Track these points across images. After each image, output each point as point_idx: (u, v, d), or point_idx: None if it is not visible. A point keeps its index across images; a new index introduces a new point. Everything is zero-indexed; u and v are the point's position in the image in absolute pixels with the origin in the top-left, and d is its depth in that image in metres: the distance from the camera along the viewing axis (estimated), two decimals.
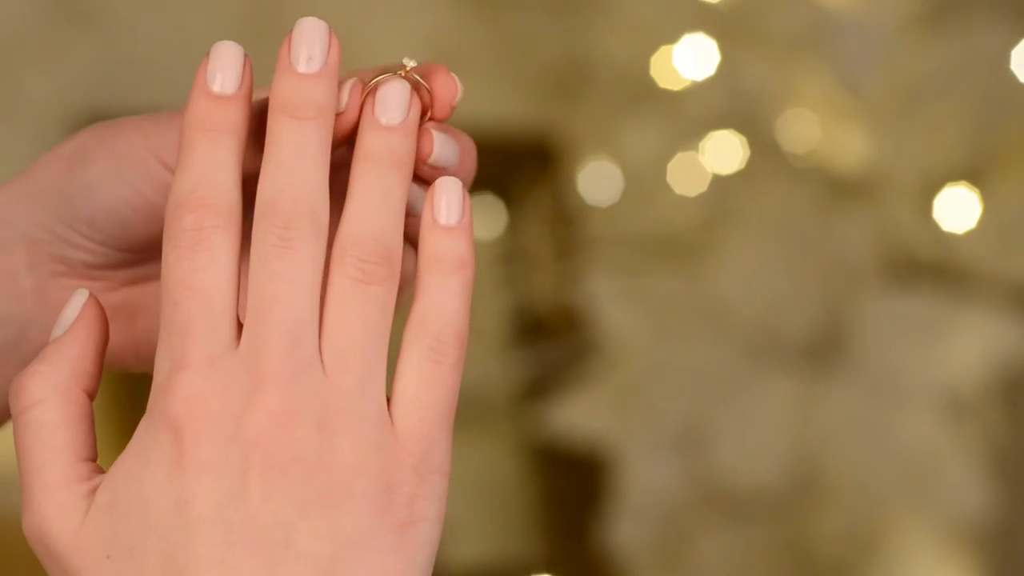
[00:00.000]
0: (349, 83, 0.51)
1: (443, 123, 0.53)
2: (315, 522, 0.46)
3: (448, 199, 0.51)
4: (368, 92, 0.52)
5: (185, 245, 0.48)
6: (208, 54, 0.50)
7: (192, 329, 0.47)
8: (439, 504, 0.49)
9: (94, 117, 1.72)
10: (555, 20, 1.88)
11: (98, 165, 0.53)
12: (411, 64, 0.50)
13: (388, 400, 0.49)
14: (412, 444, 0.48)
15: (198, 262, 0.48)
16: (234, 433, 0.46)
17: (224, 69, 0.50)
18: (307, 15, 0.50)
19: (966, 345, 1.74)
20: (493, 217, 1.89)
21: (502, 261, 1.89)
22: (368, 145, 0.50)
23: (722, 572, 1.81)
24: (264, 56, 0.56)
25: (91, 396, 0.50)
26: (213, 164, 0.49)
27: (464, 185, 0.53)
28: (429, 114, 0.53)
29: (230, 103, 0.49)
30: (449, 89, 0.52)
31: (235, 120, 0.49)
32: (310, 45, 0.50)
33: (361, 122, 0.51)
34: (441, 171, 0.53)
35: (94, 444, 0.49)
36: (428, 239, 0.50)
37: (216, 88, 0.49)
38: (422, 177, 0.53)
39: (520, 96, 1.89)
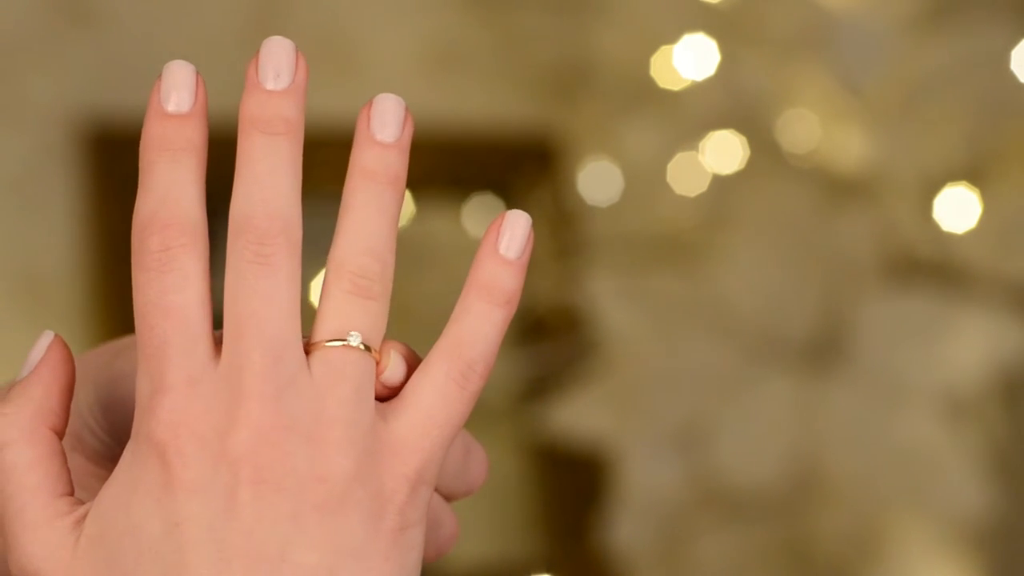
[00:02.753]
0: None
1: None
2: (311, 533, 0.46)
3: (513, 232, 0.52)
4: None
5: (153, 267, 0.48)
6: (160, 75, 0.50)
7: (169, 351, 0.47)
8: (424, 509, 0.49)
9: (94, 117, 1.72)
10: (555, 20, 1.88)
11: (123, 359, 0.54)
12: (355, 340, 0.49)
13: (387, 400, 0.49)
14: (411, 455, 0.48)
15: (167, 283, 0.47)
16: (220, 452, 0.46)
17: (178, 88, 0.49)
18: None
19: (966, 345, 1.74)
20: (493, 217, 1.89)
21: None
22: (364, 162, 0.50)
23: (722, 572, 1.81)
24: None
25: (59, 434, 0.50)
26: (175, 184, 0.48)
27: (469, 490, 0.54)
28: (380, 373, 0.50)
29: (186, 121, 0.49)
30: (381, 367, 0.50)
31: (193, 138, 0.49)
32: (277, 63, 0.50)
33: (355, 141, 0.51)
34: (391, 390, 0.50)
35: (69, 478, 0.49)
36: (485, 265, 0.51)
37: (171, 108, 0.49)
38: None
39: (520, 96, 1.89)
